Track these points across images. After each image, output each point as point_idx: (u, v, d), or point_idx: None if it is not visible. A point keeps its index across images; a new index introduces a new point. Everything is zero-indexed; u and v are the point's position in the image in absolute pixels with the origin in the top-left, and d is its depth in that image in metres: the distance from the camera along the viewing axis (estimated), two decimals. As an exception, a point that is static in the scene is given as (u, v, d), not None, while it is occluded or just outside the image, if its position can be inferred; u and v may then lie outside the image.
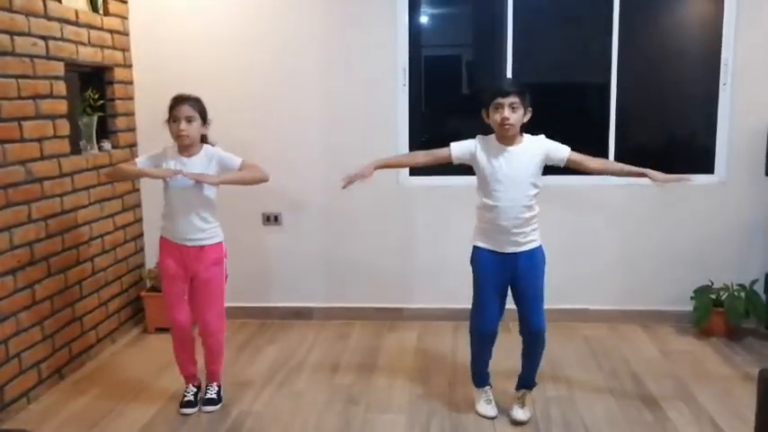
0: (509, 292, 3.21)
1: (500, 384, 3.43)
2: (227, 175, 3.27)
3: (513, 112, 2.98)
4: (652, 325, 4.53)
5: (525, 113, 3.04)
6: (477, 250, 3.20)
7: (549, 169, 3.17)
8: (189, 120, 3.16)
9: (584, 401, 3.46)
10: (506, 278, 3.15)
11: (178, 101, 3.19)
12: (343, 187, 3.17)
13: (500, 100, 2.99)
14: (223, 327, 3.43)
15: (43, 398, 3.55)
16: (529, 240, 3.12)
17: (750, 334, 4.36)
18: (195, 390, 3.48)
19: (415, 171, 4.57)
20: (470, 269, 3.24)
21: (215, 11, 4.50)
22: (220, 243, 3.36)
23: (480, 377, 3.35)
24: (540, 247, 3.17)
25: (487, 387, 3.36)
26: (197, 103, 3.22)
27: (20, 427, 3.23)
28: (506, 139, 3.07)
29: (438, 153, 3.20)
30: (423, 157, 3.28)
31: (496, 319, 3.20)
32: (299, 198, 4.57)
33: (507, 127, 3.00)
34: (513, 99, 2.98)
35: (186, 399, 3.44)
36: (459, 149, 3.15)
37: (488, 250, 3.15)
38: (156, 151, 3.34)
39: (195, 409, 3.40)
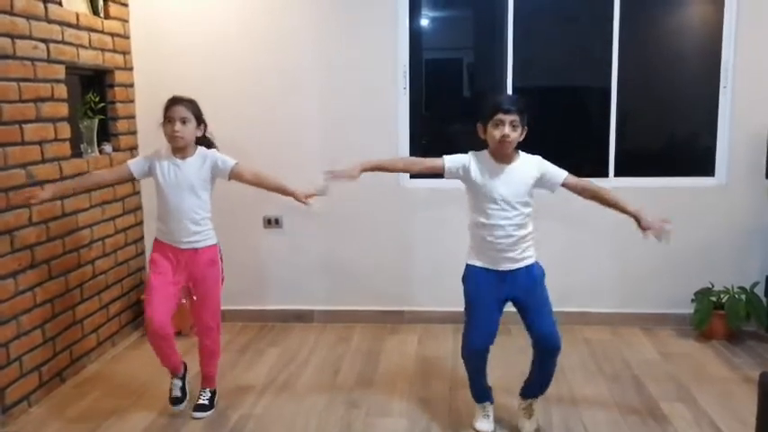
0: (513, 310, 3.11)
1: (500, 398, 3.35)
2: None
3: (513, 129, 2.91)
4: (653, 327, 4.53)
5: (523, 132, 2.97)
6: (470, 269, 3.10)
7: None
8: (183, 121, 3.16)
9: (585, 404, 3.46)
10: (503, 297, 3.06)
11: (173, 102, 3.19)
12: (325, 180, 3.12)
13: (501, 116, 2.90)
14: (218, 326, 3.37)
15: (44, 401, 3.55)
16: (525, 257, 3.04)
17: (751, 337, 4.36)
18: (180, 383, 3.44)
19: (416, 173, 4.57)
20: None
21: (215, 14, 4.51)
22: (215, 245, 3.35)
23: (479, 393, 3.26)
24: (537, 263, 3.09)
25: (487, 403, 3.25)
26: (192, 105, 3.22)
27: (21, 431, 3.24)
28: (502, 157, 3.00)
29: (431, 163, 3.12)
30: (415, 165, 3.22)
31: (489, 339, 3.08)
32: (300, 201, 4.57)
33: (507, 144, 2.93)
34: (514, 117, 2.91)
35: (173, 395, 3.42)
36: (452, 163, 3.05)
37: (483, 268, 3.06)
38: (149, 152, 3.36)
39: (183, 405, 3.40)
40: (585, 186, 3.10)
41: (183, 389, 3.45)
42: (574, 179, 3.06)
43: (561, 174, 3.05)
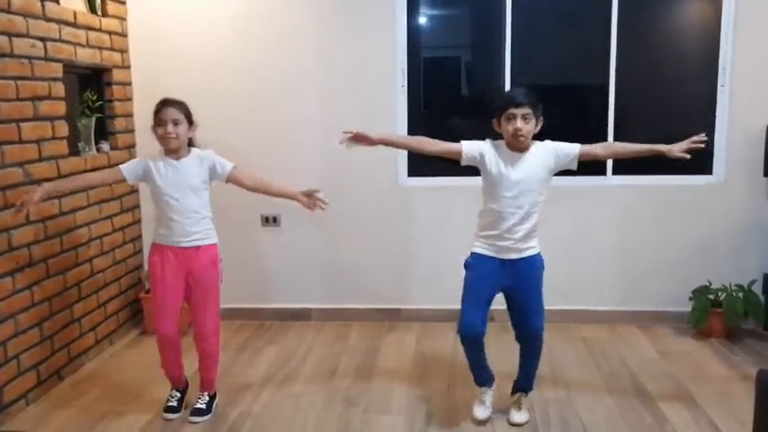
0: (504, 299, 3.17)
1: (498, 386, 3.39)
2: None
3: (525, 123, 2.96)
4: (650, 326, 4.53)
5: (537, 124, 3.02)
6: (475, 256, 3.14)
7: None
8: (175, 122, 3.15)
9: (583, 402, 3.46)
10: (500, 285, 3.11)
11: (163, 104, 3.18)
12: (342, 142, 3.15)
13: (513, 110, 2.96)
14: (218, 330, 3.35)
15: (42, 399, 3.54)
16: (529, 247, 3.10)
17: (748, 335, 4.37)
18: (179, 395, 3.43)
19: (414, 171, 4.57)
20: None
21: (214, 13, 4.50)
22: (215, 244, 3.34)
23: (479, 377, 3.31)
24: (539, 254, 3.14)
25: (485, 387, 3.30)
26: (182, 106, 3.21)
27: (18, 429, 3.23)
28: (517, 148, 3.05)
29: (449, 146, 3.14)
30: (432, 146, 3.18)
31: (484, 324, 3.11)
32: (298, 199, 4.57)
33: (521, 138, 2.98)
34: (526, 110, 2.96)
35: (169, 404, 3.38)
36: (470, 149, 3.09)
37: (488, 256, 3.10)
38: (141, 157, 3.33)
39: (177, 415, 3.35)
40: (602, 147, 3.21)
41: (180, 401, 3.42)
42: (587, 146, 3.12)
43: (574, 146, 3.10)
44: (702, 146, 3.14)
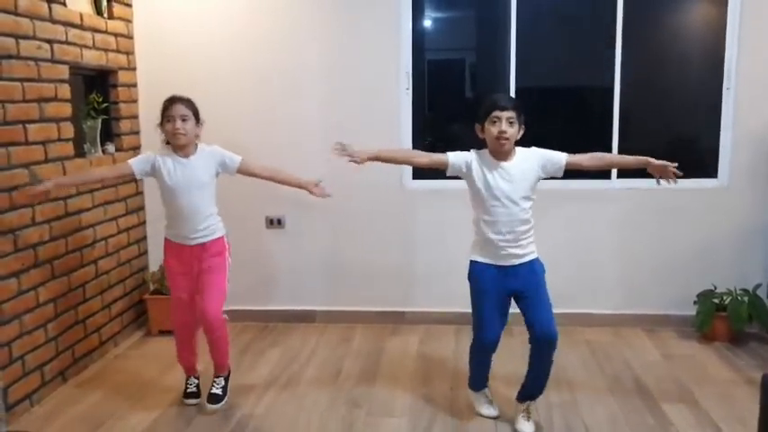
0: (513, 304, 3.16)
1: (502, 390, 3.42)
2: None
3: (510, 126, 2.96)
4: (655, 329, 4.52)
5: (520, 130, 3.02)
6: (475, 265, 3.14)
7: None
8: (183, 119, 3.20)
9: (587, 406, 3.46)
10: (508, 291, 3.10)
11: (172, 101, 3.24)
12: (334, 150, 3.15)
13: (497, 113, 2.96)
14: (221, 312, 3.32)
15: (47, 400, 3.56)
16: (527, 252, 3.09)
17: (753, 338, 4.35)
18: (197, 381, 3.53)
19: (418, 174, 4.57)
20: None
21: (218, 14, 4.52)
22: (222, 237, 3.40)
23: (480, 382, 3.33)
24: (538, 258, 3.14)
25: (486, 389, 3.34)
26: (190, 103, 3.26)
27: (24, 430, 3.24)
28: (501, 154, 3.03)
29: (436, 158, 3.15)
30: (420, 158, 3.26)
31: (499, 332, 3.14)
32: (302, 201, 4.55)
33: (503, 141, 2.97)
34: (511, 114, 2.96)
35: (189, 390, 3.50)
36: (455, 160, 3.09)
37: (487, 264, 3.10)
38: (149, 153, 3.37)
39: (197, 400, 3.47)
40: (589, 158, 3.15)
41: (198, 387, 3.53)
42: (574, 156, 3.11)
43: (562, 156, 3.09)
44: (672, 178, 3.10)
